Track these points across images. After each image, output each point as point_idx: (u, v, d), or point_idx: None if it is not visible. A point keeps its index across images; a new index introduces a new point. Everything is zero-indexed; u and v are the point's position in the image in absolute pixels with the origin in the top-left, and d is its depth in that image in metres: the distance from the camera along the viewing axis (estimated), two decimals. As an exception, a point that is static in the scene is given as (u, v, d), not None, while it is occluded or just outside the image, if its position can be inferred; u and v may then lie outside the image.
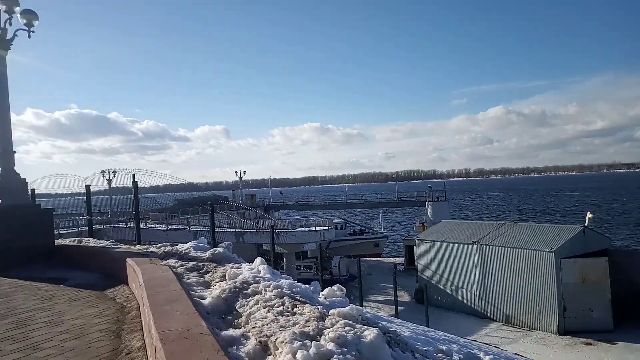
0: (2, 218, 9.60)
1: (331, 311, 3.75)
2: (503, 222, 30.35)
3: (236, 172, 68.31)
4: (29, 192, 11.57)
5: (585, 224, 24.37)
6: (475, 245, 26.46)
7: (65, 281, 7.77)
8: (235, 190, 70.31)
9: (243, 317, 3.79)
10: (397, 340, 4.06)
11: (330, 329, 3.30)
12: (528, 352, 18.97)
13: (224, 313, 4.00)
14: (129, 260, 6.75)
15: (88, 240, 10.51)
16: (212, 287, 4.95)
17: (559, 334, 21.83)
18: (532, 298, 23.38)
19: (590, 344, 20.31)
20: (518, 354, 13.80)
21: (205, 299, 4.31)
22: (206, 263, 6.13)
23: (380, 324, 4.06)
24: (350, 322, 3.51)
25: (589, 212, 27.44)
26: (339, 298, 4.59)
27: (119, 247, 8.97)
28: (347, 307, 3.86)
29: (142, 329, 4.62)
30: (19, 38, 10.10)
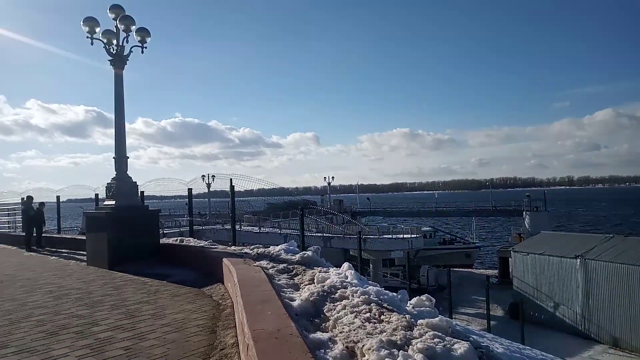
0: (116, 217, 10.58)
1: (419, 321, 3.68)
2: (611, 235, 27.76)
3: (325, 177, 69.74)
4: (139, 194, 12.60)
5: None
6: (578, 260, 24.47)
7: (168, 277, 8.38)
8: (324, 195, 71.49)
9: (330, 321, 3.84)
10: (489, 356, 3.87)
11: (419, 340, 3.24)
12: (641, 381, 17.13)
13: (312, 316, 4.08)
14: (225, 260, 7.11)
15: (189, 240, 11.19)
16: (301, 289, 5.07)
17: (679, 363, 19.48)
18: (646, 321, 21.10)
19: None
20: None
21: (294, 300, 4.42)
22: (296, 266, 6.30)
23: (471, 338, 3.90)
24: (440, 333, 3.42)
25: None
26: (427, 308, 4.48)
27: (216, 248, 9.48)
28: (437, 318, 3.76)
29: (235, 327, 4.85)
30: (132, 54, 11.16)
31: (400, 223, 54.19)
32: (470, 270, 45.32)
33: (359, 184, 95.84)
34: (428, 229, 50.14)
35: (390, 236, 38.47)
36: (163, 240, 11.66)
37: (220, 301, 6.35)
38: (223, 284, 7.23)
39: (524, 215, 47.60)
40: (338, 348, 3.23)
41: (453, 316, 24.11)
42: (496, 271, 41.67)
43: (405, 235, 37.91)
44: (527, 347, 7.74)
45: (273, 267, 6.29)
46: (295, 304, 4.30)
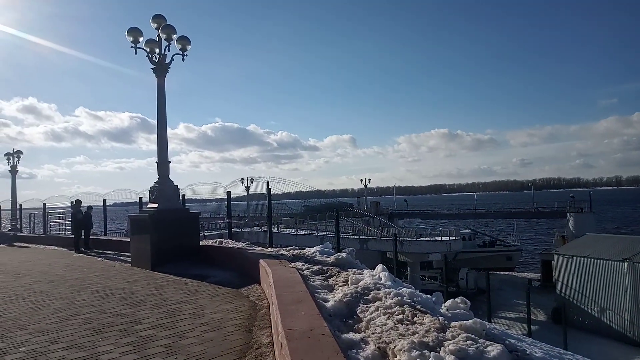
0: (158, 220, 10.95)
1: (452, 323, 3.68)
2: (663, 237, 26.48)
3: (361, 179, 69.52)
4: (180, 197, 12.98)
5: None
6: (626, 263, 23.46)
7: (207, 278, 8.63)
8: (360, 197, 71.18)
9: (363, 322, 3.89)
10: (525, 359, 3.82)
11: (451, 341, 3.25)
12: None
13: (345, 317, 4.14)
14: (261, 261, 7.27)
15: (227, 241, 11.44)
16: (334, 290, 5.14)
17: None
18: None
19: None
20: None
21: (328, 301, 4.49)
22: (330, 267, 6.37)
23: (507, 341, 3.86)
24: (473, 335, 3.41)
25: None
26: (462, 311, 4.46)
27: (253, 249, 9.68)
28: (470, 321, 3.75)
29: (271, 326, 4.97)
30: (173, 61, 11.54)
31: (439, 225, 53.37)
32: (511, 273, 44.15)
33: (396, 185, 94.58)
34: (467, 231, 49.19)
35: (427, 238, 38.00)
36: (203, 242, 11.95)
37: (256, 301, 6.49)
38: (260, 284, 7.38)
39: (568, 216, 45.96)
40: (370, 348, 3.27)
41: (493, 320, 23.57)
42: (538, 274, 40.44)
43: (443, 238, 37.35)
44: (569, 353, 7.51)
45: (308, 268, 6.38)
46: (328, 304, 4.37)
